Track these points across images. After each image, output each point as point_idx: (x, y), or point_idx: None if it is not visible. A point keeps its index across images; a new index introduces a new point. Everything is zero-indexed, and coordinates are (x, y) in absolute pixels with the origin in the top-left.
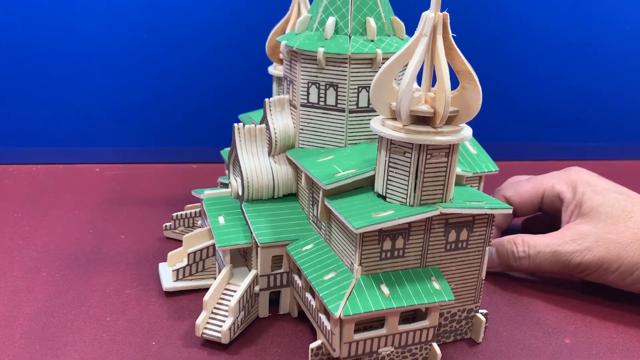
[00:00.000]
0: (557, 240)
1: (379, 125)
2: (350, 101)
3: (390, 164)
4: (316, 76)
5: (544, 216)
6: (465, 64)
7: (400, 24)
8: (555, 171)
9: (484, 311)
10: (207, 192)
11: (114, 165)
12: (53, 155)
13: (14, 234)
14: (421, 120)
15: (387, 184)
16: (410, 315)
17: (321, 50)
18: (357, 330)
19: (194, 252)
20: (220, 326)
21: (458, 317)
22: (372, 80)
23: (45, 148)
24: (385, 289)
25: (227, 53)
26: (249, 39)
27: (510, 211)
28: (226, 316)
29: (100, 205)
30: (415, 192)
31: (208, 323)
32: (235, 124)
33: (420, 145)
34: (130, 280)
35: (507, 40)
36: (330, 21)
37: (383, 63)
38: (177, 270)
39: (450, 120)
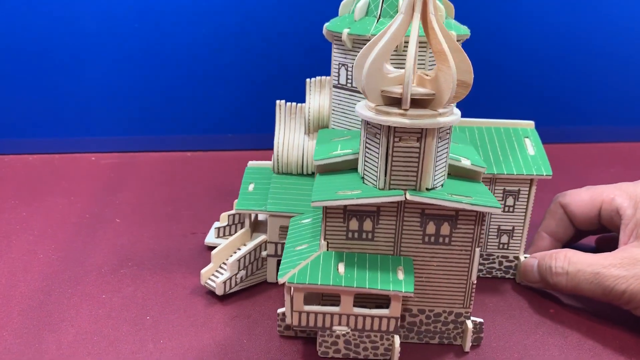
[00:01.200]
0: (604, 261)
1: (361, 105)
2: None
3: (366, 145)
4: (345, 58)
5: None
6: (441, 45)
7: (439, 6)
8: (625, 182)
9: (478, 319)
10: (252, 162)
11: (109, 154)
12: (49, 145)
13: (11, 219)
14: (398, 102)
15: (364, 165)
16: (385, 304)
17: (346, 31)
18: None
19: (233, 215)
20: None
21: (444, 319)
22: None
23: (41, 138)
24: (341, 267)
25: (226, 40)
26: (241, 28)
27: (499, 210)
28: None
29: (96, 192)
30: (385, 176)
31: (213, 275)
32: (278, 101)
33: (388, 127)
34: (125, 261)
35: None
36: (361, 3)
37: (406, 46)
38: (219, 228)
39: (426, 103)
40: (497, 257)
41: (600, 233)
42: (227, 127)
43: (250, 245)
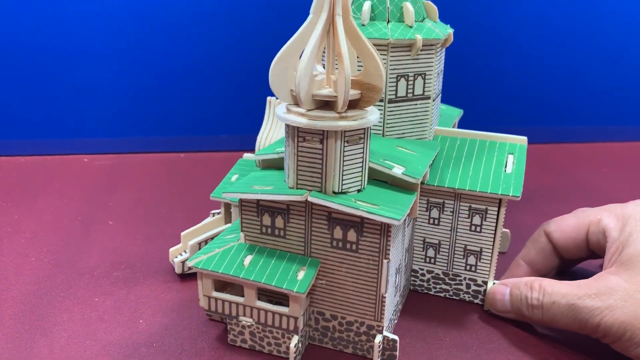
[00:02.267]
0: (579, 292)
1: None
2: None
3: (285, 144)
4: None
5: None
6: (339, 47)
7: (408, 10)
8: (615, 204)
9: (392, 336)
10: (247, 155)
11: (101, 155)
12: (41, 146)
13: (2, 222)
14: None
15: (284, 162)
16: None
17: None
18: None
19: (224, 203)
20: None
21: (356, 329)
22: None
23: (33, 140)
24: (247, 260)
25: (217, 41)
26: (236, 27)
27: (397, 222)
28: None
29: (89, 194)
30: (294, 175)
31: (179, 254)
32: (269, 97)
33: (295, 126)
34: (117, 264)
35: (506, 28)
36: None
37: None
38: (213, 213)
39: (333, 105)
40: (465, 278)
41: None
42: (221, 128)
43: (214, 231)
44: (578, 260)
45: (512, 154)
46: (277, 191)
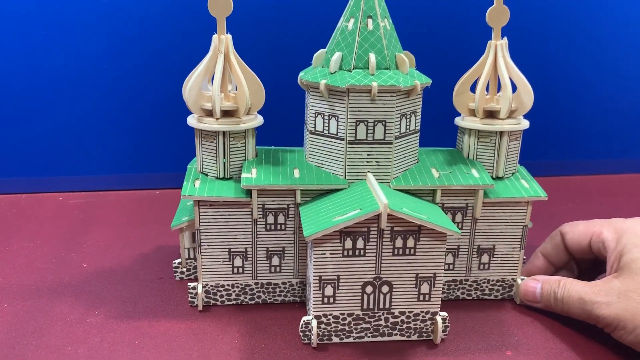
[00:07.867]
0: (588, 289)
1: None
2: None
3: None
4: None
5: None
6: (238, 77)
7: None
8: (617, 218)
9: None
10: None
11: (77, 193)
12: (14, 185)
13: None
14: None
15: None
16: None
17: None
18: None
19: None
20: None
21: None
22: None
23: (6, 178)
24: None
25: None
26: None
27: (186, 197)
28: None
29: (63, 235)
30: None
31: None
32: None
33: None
34: (92, 309)
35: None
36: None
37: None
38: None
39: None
40: None
41: (595, 260)
42: None
43: None
44: (587, 259)
45: None
46: None
